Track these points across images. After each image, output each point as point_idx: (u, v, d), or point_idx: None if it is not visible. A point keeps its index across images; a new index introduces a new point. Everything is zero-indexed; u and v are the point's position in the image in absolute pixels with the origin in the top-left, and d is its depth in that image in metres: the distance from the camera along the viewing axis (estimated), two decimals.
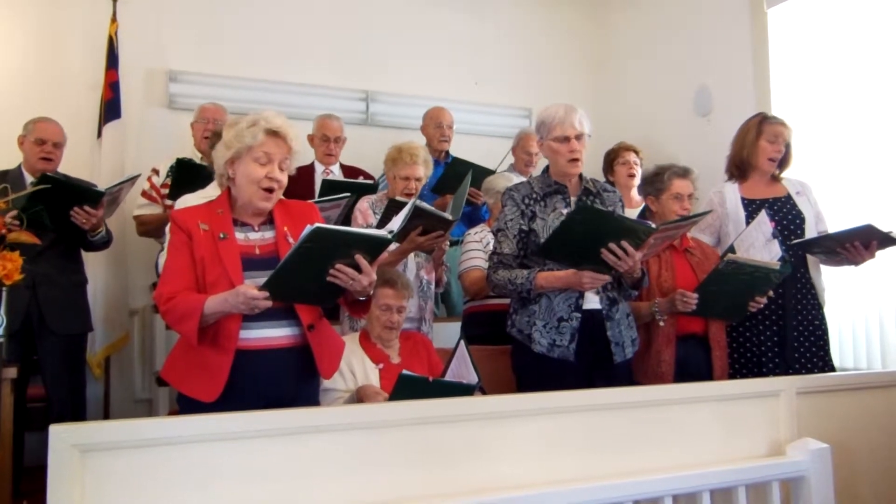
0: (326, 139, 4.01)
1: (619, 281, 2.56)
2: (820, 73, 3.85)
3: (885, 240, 2.77)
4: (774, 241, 2.77)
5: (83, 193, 3.07)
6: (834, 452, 2.01)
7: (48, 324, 3.18)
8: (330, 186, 3.42)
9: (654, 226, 2.44)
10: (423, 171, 3.10)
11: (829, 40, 3.81)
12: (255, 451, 1.52)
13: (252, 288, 1.89)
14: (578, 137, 2.54)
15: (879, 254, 2.84)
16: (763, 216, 2.83)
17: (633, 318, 2.65)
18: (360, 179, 3.84)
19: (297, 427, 1.57)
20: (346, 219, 3.26)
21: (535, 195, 2.60)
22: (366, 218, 3.03)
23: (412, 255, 2.99)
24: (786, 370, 2.80)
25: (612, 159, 4.07)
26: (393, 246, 2.83)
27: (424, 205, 2.77)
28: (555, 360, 2.46)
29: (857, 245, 2.76)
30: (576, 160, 2.55)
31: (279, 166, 2.07)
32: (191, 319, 1.91)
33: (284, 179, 2.10)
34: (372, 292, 2.07)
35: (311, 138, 4.01)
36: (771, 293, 2.75)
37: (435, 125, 4.23)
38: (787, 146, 3.03)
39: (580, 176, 2.65)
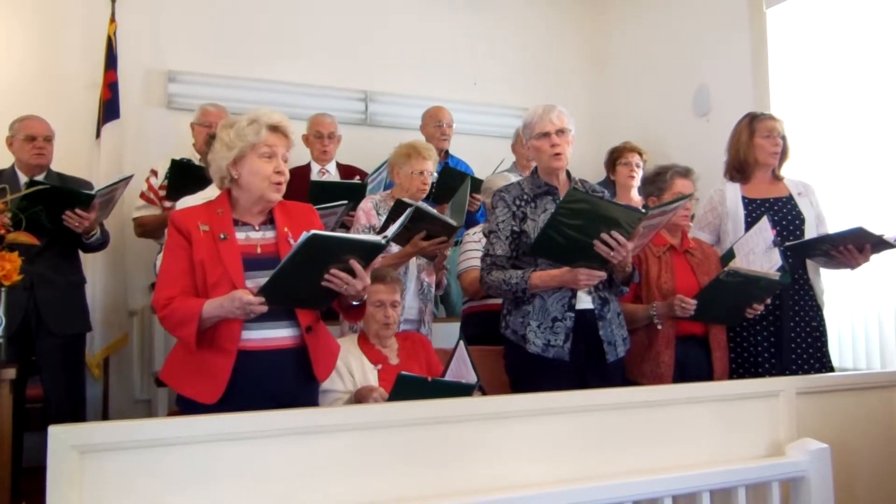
0: (320, 135, 4.01)
1: (609, 279, 2.55)
2: (819, 73, 3.86)
3: (878, 243, 2.74)
4: (775, 249, 2.72)
5: (74, 197, 3.04)
6: (833, 452, 2.01)
7: (46, 324, 3.17)
8: (318, 189, 3.39)
9: (644, 210, 2.43)
10: (433, 168, 3.12)
11: (829, 40, 3.82)
12: (255, 452, 1.52)
13: (248, 293, 1.89)
14: (559, 133, 2.55)
15: (878, 256, 2.82)
16: (765, 223, 2.78)
17: (624, 318, 2.64)
18: (356, 179, 3.84)
19: (297, 428, 1.57)
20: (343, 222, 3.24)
21: (525, 196, 2.59)
22: (369, 218, 3.02)
23: (414, 257, 2.98)
24: (781, 371, 2.78)
25: (615, 158, 4.05)
26: (396, 248, 2.84)
27: (428, 208, 2.76)
28: (548, 360, 2.46)
29: (850, 248, 2.74)
30: (559, 154, 2.55)
31: (282, 159, 2.09)
32: (189, 325, 1.91)
33: (288, 173, 2.11)
34: (366, 297, 2.07)
35: (305, 138, 4.02)
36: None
37: (434, 124, 4.22)
38: (784, 139, 3.01)
39: (569, 176, 2.65)
